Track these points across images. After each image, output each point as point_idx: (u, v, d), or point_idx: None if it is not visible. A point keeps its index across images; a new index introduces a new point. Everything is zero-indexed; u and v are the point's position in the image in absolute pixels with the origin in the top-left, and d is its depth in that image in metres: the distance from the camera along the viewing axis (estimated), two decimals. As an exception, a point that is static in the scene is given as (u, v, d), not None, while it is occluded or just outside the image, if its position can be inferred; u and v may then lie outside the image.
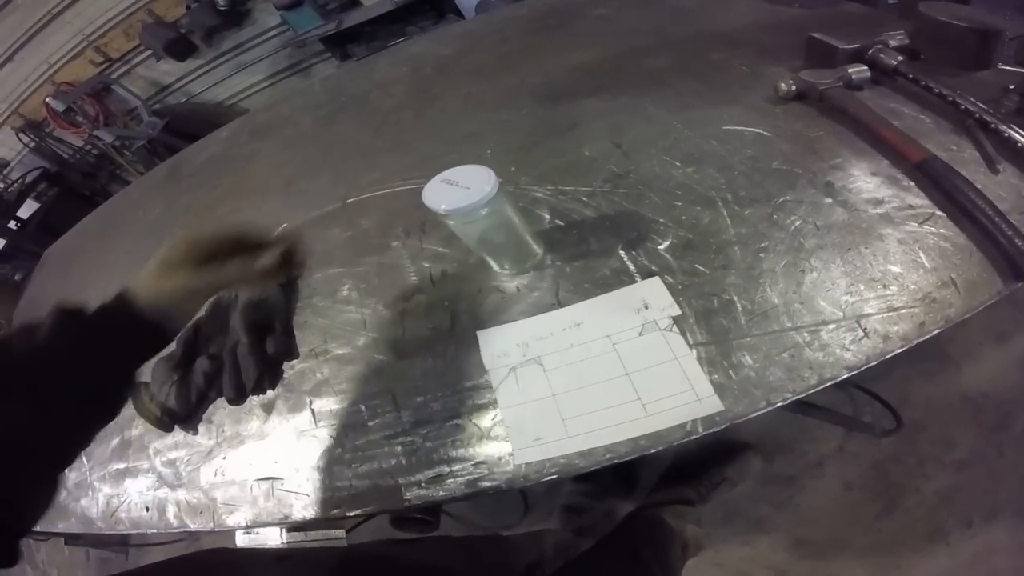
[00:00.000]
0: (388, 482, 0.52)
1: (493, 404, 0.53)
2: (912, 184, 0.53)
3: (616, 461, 0.46)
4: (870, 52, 0.64)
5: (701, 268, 0.54)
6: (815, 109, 0.64)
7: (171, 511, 0.58)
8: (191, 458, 0.60)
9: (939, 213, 0.50)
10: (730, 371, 0.47)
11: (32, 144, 2.98)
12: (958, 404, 1.22)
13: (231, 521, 0.54)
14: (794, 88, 0.64)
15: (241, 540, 0.49)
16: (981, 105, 0.54)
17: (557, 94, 0.83)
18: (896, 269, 0.48)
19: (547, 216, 0.66)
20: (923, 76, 0.59)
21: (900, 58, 0.62)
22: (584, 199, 0.65)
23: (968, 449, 1.18)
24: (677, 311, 0.52)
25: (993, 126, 0.53)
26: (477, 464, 0.51)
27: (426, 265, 0.66)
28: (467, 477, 0.50)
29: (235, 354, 0.62)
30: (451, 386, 0.55)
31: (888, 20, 0.75)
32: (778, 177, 0.58)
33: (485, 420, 0.52)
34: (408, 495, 0.51)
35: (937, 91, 0.57)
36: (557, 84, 0.86)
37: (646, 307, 0.53)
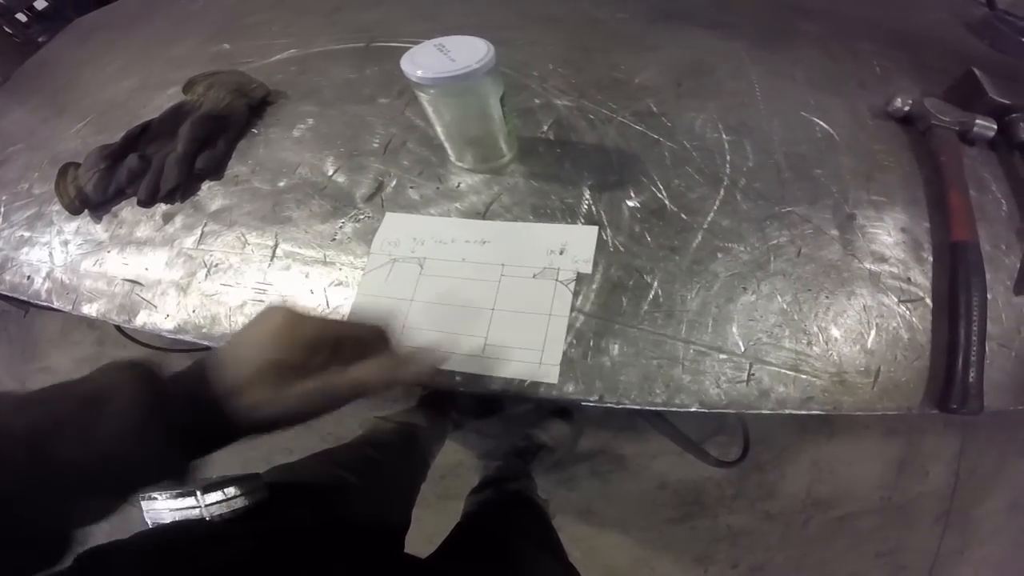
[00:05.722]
0: (210, 313, 0.52)
1: (354, 284, 0.50)
2: (931, 260, 0.46)
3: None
4: (1012, 116, 0.51)
5: (649, 240, 0.48)
6: (909, 140, 0.54)
7: (44, 286, 0.59)
8: (83, 244, 0.60)
9: (928, 302, 0.44)
10: (590, 352, 0.43)
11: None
12: (805, 468, 1.22)
13: (86, 309, 0.55)
14: (907, 109, 0.55)
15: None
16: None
17: (672, 12, 0.72)
18: (836, 333, 0.43)
19: (546, 125, 0.59)
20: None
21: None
22: (598, 122, 0.58)
23: (781, 507, 1.19)
24: (588, 270, 0.47)
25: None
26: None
27: (393, 131, 0.61)
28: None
29: (164, 159, 0.62)
30: (332, 253, 0.53)
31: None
32: (807, 186, 0.51)
33: (336, 298, 0.50)
34: (218, 332, 0.50)
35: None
36: (686, 1, 0.74)
37: (561, 252, 0.48)
